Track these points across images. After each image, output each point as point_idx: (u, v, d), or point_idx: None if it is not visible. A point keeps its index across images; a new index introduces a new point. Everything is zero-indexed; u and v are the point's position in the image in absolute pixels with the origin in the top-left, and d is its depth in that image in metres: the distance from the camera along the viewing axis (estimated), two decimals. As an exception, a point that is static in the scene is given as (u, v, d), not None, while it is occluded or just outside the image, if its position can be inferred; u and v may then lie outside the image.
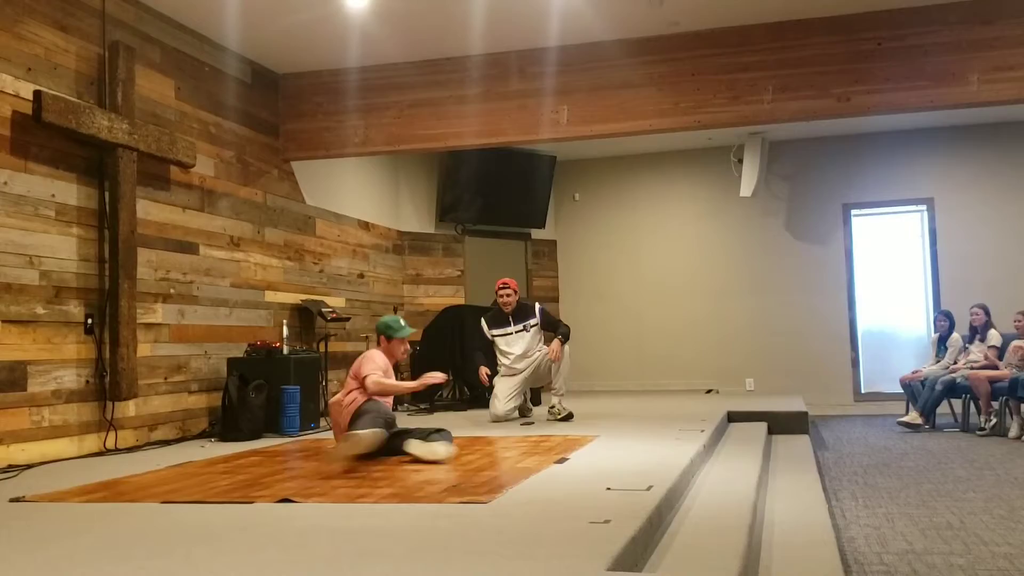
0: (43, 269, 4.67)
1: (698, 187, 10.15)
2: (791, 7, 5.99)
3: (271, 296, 6.72)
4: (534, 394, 7.05)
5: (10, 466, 4.35)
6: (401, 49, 6.53)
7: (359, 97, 6.85)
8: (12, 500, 3.42)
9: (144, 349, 5.35)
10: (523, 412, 6.56)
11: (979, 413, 7.33)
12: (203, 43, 6.09)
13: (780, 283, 9.75)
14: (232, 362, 5.98)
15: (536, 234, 10.36)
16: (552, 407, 6.28)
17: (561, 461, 4.07)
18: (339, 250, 7.80)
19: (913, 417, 7.59)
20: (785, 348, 9.63)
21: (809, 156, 9.79)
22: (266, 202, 6.75)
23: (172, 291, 5.67)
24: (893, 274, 9.67)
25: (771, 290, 9.76)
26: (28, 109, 4.57)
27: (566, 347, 6.37)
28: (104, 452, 4.97)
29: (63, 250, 4.82)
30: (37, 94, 4.56)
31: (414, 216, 9.28)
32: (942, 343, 8.07)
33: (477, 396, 7.62)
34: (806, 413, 6.85)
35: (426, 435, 4.30)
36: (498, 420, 6.26)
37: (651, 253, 10.26)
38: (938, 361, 8.01)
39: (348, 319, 7.59)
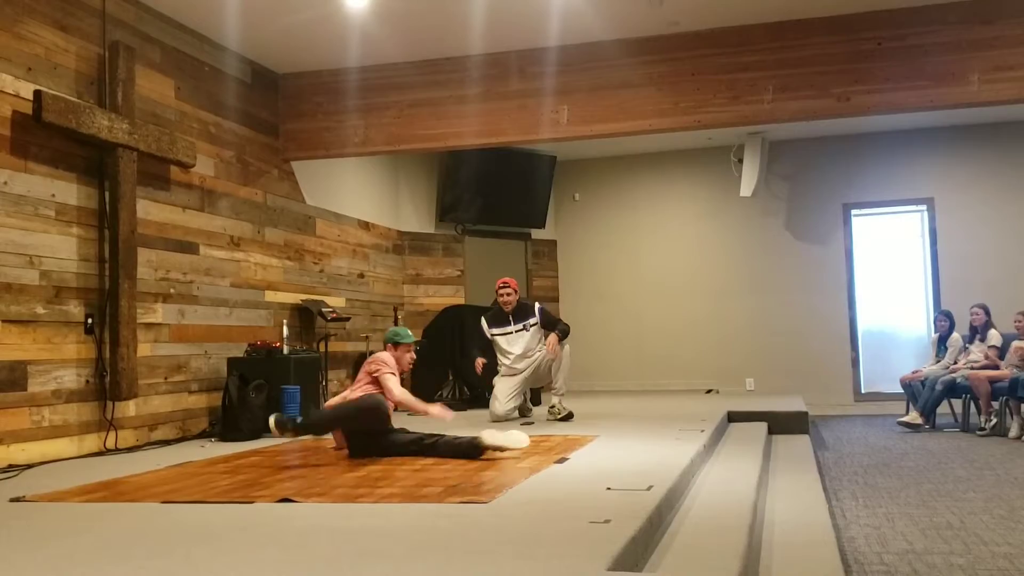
0: (43, 269, 4.67)
1: (698, 187, 10.15)
2: (791, 7, 5.99)
3: (271, 296, 6.72)
4: (534, 394, 7.05)
5: (10, 466, 4.35)
6: (401, 49, 6.53)
7: (359, 97, 6.85)
8: (12, 500, 3.42)
9: (144, 349, 5.35)
10: (523, 412, 6.56)
11: (979, 413, 7.33)
12: (203, 43, 6.09)
13: (780, 283, 9.75)
14: (232, 362, 5.98)
15: (536, 234, 10.36)
16: (552, 407, 6.28)
17: (561, 461, 4.07)
18: (339, 250, 7.80)
19: (913, 417, 7.59)
20: (785, 348, 9.63)
21: (809, 156, 9.79)
22: (266, 202, 6.75)
23: (172, 291, 5.67)
24: (893, 274, 9.67)
25: (771, 290, 9.76)
26: (28, 109, 4.57)
27: (566, 346, 6.38)
28: (104, 452, 4.97)
29: (63, 250, 4.82)
30: (37, 94, 4.56)
31: (414, 216, 9.28)
32: (942, 343, 8.07)
33: (477, 396, 7.62)
34: (806, 413, 6.85)
35: (452, 439, 4.31)
36: (498, 420, 6.26)
37: (651, 253, 10.26)
38: (938, 361, 8.01)
39: (348, 319, 7.59)
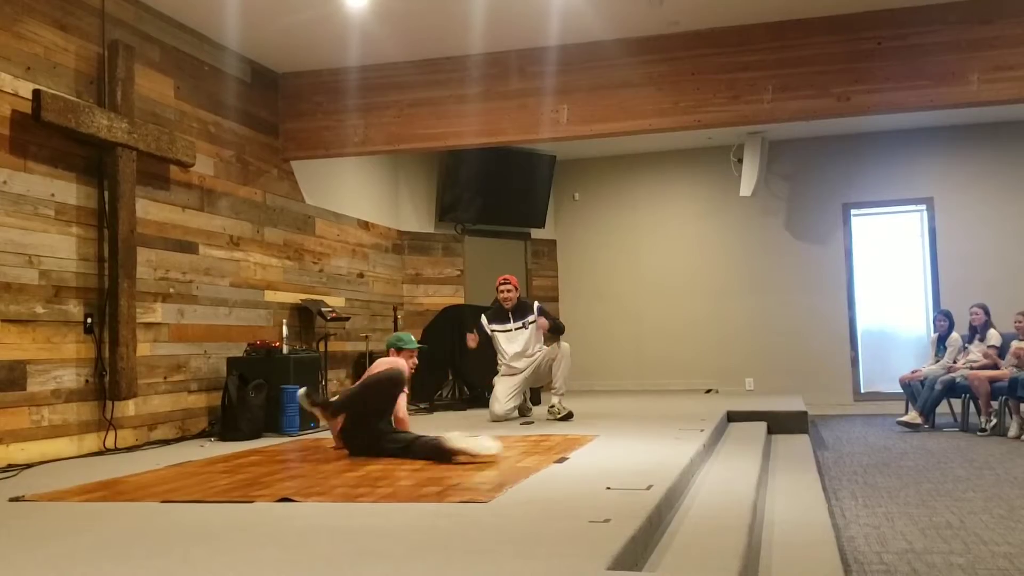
0: (42, 268, 4.67)
1: (698, 187, 10.15)
2: (791, 7, 5.99)
3: (271, 296, 6.72)
4: (534, 394, 7.06)
5: (10, 465, 4.35)
6: (401, 48, 6.53)
7: (359, 96, 6.84)
8: (12, 499, 3.42)
9: (144, 348, 5.35)
10: (523, 412, 6.57)
11: (979, 413, 7.33)
12: (203, 42, 6.09)
13: (780, 283, 9.75)
14: (232, 361, 5.98)
15: (536, 234, 10.36)
16: (552, 406, 6.28)
17: (561, 460, 4.07)
18: (339, 250, 7.80)
19: (913, 417, 7.59)
20: (785, 348, 9.63)
21: (809, 156, 9.79)
22: (266, 201, 6.75)
23: (172, 290, 5.67)
24: (893, 274, 9.67)
25: (771, 290, 9.76)
26: (27, 108, 4.56)
27: (567, 346, 6.39)
28: (104, 451, 4.97)
29: (62, 249, 4.81)
30: (36, 93, 4.56)
31: (414, 216, 9.28)
32: (941, 343, 8.07)
33: (477, 396, 7.63)
34: (806, 413, 6.85)
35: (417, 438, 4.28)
36: (498, 420, 6.26)
37: (651, 253, 10.25)
38: (937, 361, 8.01)
39: (348, 319, 7.59)
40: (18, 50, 4.60)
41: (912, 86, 5.98)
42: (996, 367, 7.41)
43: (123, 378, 5.01)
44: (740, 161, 9.47)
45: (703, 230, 10.10)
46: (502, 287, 6.49)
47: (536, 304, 6.58)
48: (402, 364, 4.75)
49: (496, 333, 6.49)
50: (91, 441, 4.94)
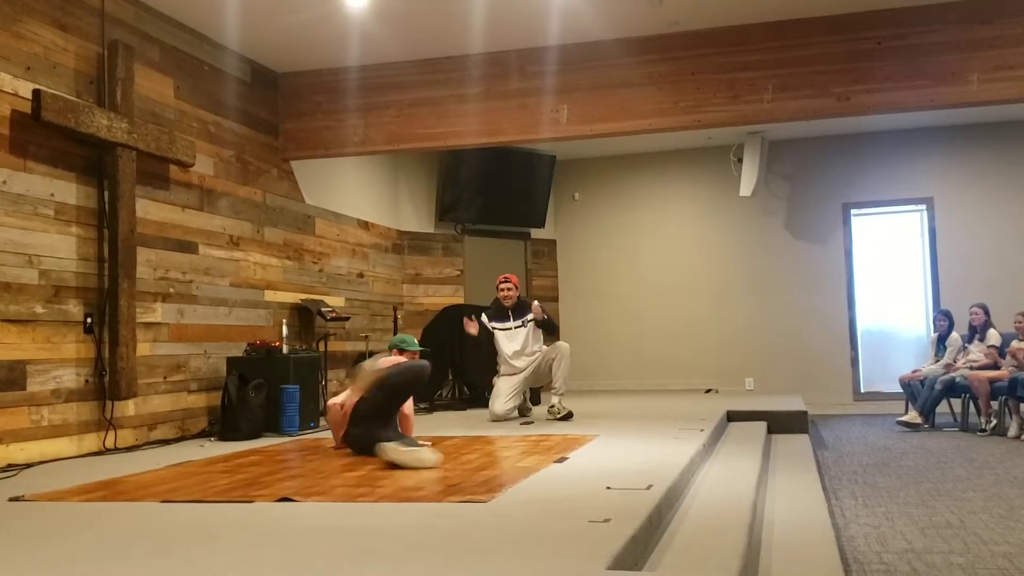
0: (42, 268, 4.67)
1: (698, 187, 10.15)
2: (791, 6, 5.99)
3: (270, 295, 6.72)
4: (534, 393, 7.06)
5: (9, 465, 4.34)
6: (401, 48, 6.53)
7: (359, 96, 6.84)
8: (11, 499, 3.42)
9: (143, 348, 5.35)
10: (522, 412, 6.57)
11: (979, 413, 7.33)
12: (202, 42, 6.09)
13: (780, 283, 9.75)
14: (231, 361, 5.98)
15: (536, 234, 10.36)
16: (552, 406, 6.28)
17: (561, 460, 4.07)
18: (338, 249, 7.80)
19: (912, 416, 7.59)
20: (785, 348, 9.63)
21: (809, 155, 9.79)
22: (265, 201, 6.75)
23: (171, 290, 5.67)
24: (893, 273, 9.67)
25: (771, 290, 9.76)
26: (27, 108, 4.56)
27: (566, 346, 6.40)
28: (103, 451, 4.97)
29: (62, 249, 4.81)
30: (36, 93, 4.56)
31: (414, 216, 9.28)
32: (941, 342, 8.07)
33: (477, 396, 7.63)
34: (805, 412, 6.85)
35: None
36: (497, 419, 6.26)
37: (651, 253, 10.25)
38: (937, 360, 8.01)
39: (348, 319, 7.59)
40: (18, 50, 4.60)
41: (912, 86, 5.98)
42: (998, 366, 7.41)
43: (123, 378, 5.01)
44: (740, 161, 9.47)
45: (703, 230, 10.10)
46: (502, 286, 6.51)
47: (535, 303, 6.59)
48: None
49: (496, 331, 6.50)
50: (91, 441, 4.94)
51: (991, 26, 5.85)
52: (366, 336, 7.85)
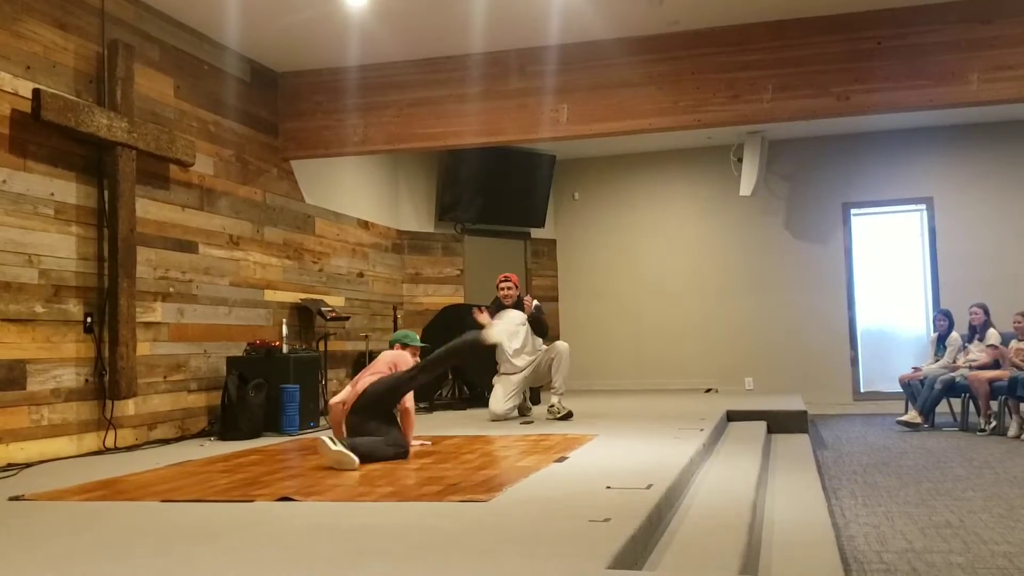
0: (42, 268, 4.67)
1: (698, 186, 10.15)
2: (791, 6, 5.99)
3: (270, 295, 6.72)
4: (533, 393, 7.06)
5: (9, 465, 4.34)
6: (401, 48, 6.53)
7: (358, 96, 6.84)
8: (11, 499, 3.42)
9: (143, 348, 5.35)
10: (522, 411, 6.57)
11: (979, 413, 7.33)
12: (202, 41, 6.09)
13: (780, 282, 9.75)
14: (231, 361, 5.98)
15: (536, 233, 10.36)
16: (551, 406, 6.28)
17: (560, 460, 4.07)
18: (338, 249, 7.80)
19: (912, 416, 7.59)
20: (784, 347, 9.63)
21: (809, 155, 9.79)
22: (265, 201, 6.74)
23: (171, 290, 5.67)
24: (892, 273, 9.67)
25: (771, 289, 9.76)
26: (27, 107, 4.56)
27: (566, 345, 6.41)
28: (103, 451, 4.97)
29: (62, 249, 4.81)
30: (36, 92, 4.56)
31: (413, 215, 9.28)
32: (941, 342, 8.07)
33: (477, 395, 7.63)
34: (805, 412, 6.85)
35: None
36: (497, 419, 6.26)
37: (650, 252, 10.25)
38: (937, 360, 8.01)
39: (347, 318, 7.59)
40: (18, 49, 4.60)
41: (912, 86, 5.98)
42: (999, 365, 7.40)
43: (123, 377, 5.01)
44: (740, 161, 9.47)
45: (703, 230, 10.10)
46: (502, 284, 6.53)
47: (535, 303, 6.57)
48: (408, 357, 4.74)
49: (497, 329, 6.50)
50: (91, 440, 4.94)
51: (991, 26, 5.85)
52: (366, 336, 7.85)
